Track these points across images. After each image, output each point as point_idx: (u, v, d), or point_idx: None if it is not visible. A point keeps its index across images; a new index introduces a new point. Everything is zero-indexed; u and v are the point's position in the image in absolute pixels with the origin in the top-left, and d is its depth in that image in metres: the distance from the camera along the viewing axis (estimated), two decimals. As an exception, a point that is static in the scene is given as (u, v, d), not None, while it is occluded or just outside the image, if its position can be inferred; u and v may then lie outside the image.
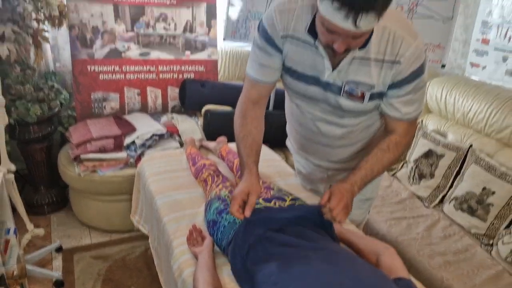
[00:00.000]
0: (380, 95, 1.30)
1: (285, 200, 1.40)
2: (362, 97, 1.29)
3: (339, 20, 1.02)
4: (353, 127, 1.44)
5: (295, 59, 1.32)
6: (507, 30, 2.52)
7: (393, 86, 1.26)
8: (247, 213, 1.27)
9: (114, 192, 2.48)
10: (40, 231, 2.23)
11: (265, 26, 1.31)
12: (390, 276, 1.13)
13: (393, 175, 2.60)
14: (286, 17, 1.27)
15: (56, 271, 2.24)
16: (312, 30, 1.22)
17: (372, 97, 1.29)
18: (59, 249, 2.42)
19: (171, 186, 1.80)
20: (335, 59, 1.24)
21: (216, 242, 1.37)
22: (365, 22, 1.01)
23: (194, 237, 1.42)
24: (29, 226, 2.18)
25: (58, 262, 2.35)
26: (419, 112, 1.36)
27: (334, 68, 1.25)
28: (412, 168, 2.48)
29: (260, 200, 1.39)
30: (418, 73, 1.24)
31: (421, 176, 2.41)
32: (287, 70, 1.37)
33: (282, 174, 1.95)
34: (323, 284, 0.99)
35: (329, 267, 1.05)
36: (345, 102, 1.31)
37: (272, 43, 1.31)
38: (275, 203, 1.37)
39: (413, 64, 1.21)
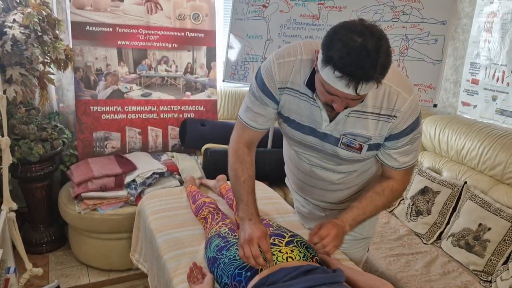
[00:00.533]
0: (378, 146, 1.34)
1: (284, 237, 1.43)
2: (360, 148, 1.33)
3: (340, 87, 1.08)
4: (350, 173, 1.49)
5: (293, 109, 1.36)
6: (495, 71, 2.63)
7: (390, 138, 1.30)
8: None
9: (114, 230, 2.49)
10: (39, 271, 2.21)
11: (263, 77, 1.34)
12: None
13: (390, 211, 2.63)
14: (285, 70, 1.31)
15: (53, 312, 2.22)
16: (310, 84, 1.27)
17: (370, 148, 1.33)
18: (57, 289, 2.40)
19: (172, 224, 1.82)
20: (333, 112, 1.27)
21: (216, 279, 1.39)
22: (365, 89, 1.08)
23: (194, 274, 1.43)
24: (28, 265, 2.17)
25: (55, 302, 2.32)
26: (415, 160, 1.40)
27: (331, 120, 1.30)
28: (409, 205, 2.51)
29: None
30: (414, 125, 1.28)
31: (418, 213, 2.44)
32: (285, 120, 1.41)
33: (281, 211, 1.98)
34: None
35: None
36: (343, 152, 1.35)
37: (269, 93, 1.35)
38: (274, 240, 1.39)
39: (409, 118, 1.26)
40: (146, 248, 1.94)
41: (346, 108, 1.20)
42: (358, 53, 1.02)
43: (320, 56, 1.11)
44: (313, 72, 1.25)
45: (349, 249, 1.67)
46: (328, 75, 1.09)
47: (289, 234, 1.46)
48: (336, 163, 1.44)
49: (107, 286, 2.46)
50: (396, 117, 1.25)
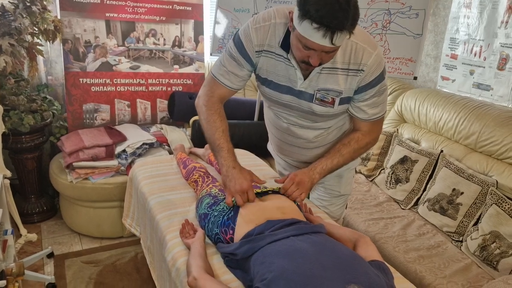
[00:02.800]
0: (348, 100, 1.48)
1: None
2: (333, 102, 1.46)
3: (317, 38, 1.21)
4: (325, 130, 1.60)
5: (270, 70, 1.47)
6: (473, 45, 2.74)
7: (359, 91, 1.45)
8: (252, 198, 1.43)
9: (105, 199, 2.56)
10: (33, 236, 2.29)
11: (242, 40, 1.45)
12: (365, 259, 1.27)
13: (371, 180, 2.76)
14: (262, 33, 1.42)
15: (48, 275, 2.30)
16: (284, 45, 1.39)
17: (341, 102, 1.47)
18: (50, 255, 2.48)
19: (163, 188, 1.90)
20: (306, 71, 1.40)
21: (207, 234, 1.49)
22: (340, 39, 1.21)
23: (186, 230, 1.53)
24: (23, 231, 2.25)
25: (49, 267, 2.41)
26: (383, 113, 1.55)
27: (305, 78, 1.42)
28: (389, 174, 2.64)
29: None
30: (380, 78, 1.43)
31: (398, 181, 2.57)
32: (263, 81, 1.52)
33: (267, 176, 2.08)
34: (304, 258, 1.12)
35: (309, 246, 1.19)
36: (317, 107, 1.48)
37: (246, 56, 1.46)
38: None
39: (375, 71, 1.41)
40: (139, 211, 2.03)
41: (320, 64, 1.32)
42: (332, 5, 1.15)
43: (296, 13, 1.23)
44: (287, 34, 1.37)
45: (329, 206, 1.79)
46: (305, 29, 1.21)
47: (276, 188, 1.56)
48: (311, 121, 1.55)
49: (99, 252, 2.55)
50: (363, 70, 1.39)
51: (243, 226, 1.36)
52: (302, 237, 1.27)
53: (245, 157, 2.30)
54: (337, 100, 1.45)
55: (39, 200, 2.87)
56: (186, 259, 1.36)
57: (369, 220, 2.28)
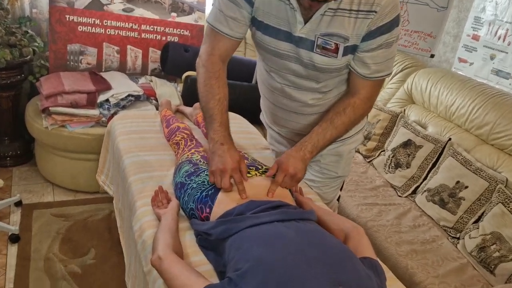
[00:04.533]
0: (354, 49, 1.25)
1: (259, 170, 1.35)
2: (336, 50, 1.23)
3: None
4: (324, 94, 1.39)
5: (266, 11, 1.25)
6: (498, 28, 2.50)
7: (366, 37, 1.22)
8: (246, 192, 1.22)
9: (82, 150, 2.37)
10: (0, 182, 2.11)
11: None
12: (356, 254, 1.10)
13: (369, 161, 2.58)
14: None
15: (13, 226, 2.14)
16: None
17: (346, 51, 1.24)
18: (18, 204, 2.32)
19: (141, 146, 1.71)
20: (308, 14, 1.19)
21: (181, 205, 1.31)
22: None
23: (159, 198, 1.35)
24: (-14, 175, 2.06)
25: (16, 216, 2.25)
26: (387, 74, 1.32)
27: (306, 22, 1.21)
28: (389, 157, 2.46)
29: None
30: (393, 23, 1.20)
31: (397, 165, 2.39)
32: (258, 25, 1.29)
33: (258, 146, 1.89)
34: (287, 249, 0.95)
35: (295, 235, 1.01)
36: (318, 58, 1.25)
37: None
38: (248, 169, 1.31)
39: (389, 14, 1.18)
40: (113, 169, 1.84)
41: (325, 1, 1.12)
42: None
43: None
44: None
45: (322, 187, 1.61)
46: None
47: (264, 168, 1.38)
48: (310, 79, 1.33)
49: (72, 206, 2.39)
50: (375, 12, 1.17)
51: (222, 203, 1.19)
52: (288, 223, 1.09)
53: (237, 122, 2.10)
54: (341, 48, 1.22)
55: (13, 143, 2.67)
56: (155, 232, 1.19)
57: (363, 205, 2.12)
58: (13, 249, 2.02)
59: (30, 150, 2.76)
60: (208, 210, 1.21)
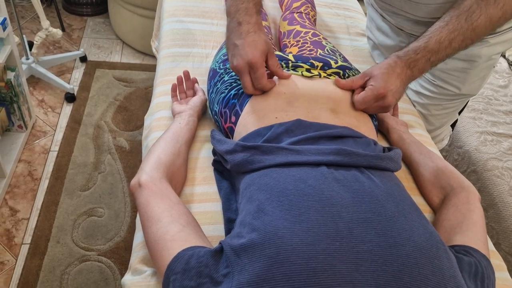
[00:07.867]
0: None
1: (330, 66, 0.84)
2: None
3: None
4: None
5: None
6: None
7: None
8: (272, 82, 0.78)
9: (153, 7, 2.01)
10: (57, 32, 1.88)
11: None
12: (450, 239, 0.64)
13: (515, 73, 1.85)
14: None
15: (72, 84, 1.98)
16: None
17: None
18: (84, 59, 2.12)
19: (189, 10, 1.27)
20: None
21: (208, 104, 0.91)
22: None
23: (183, 88, 0.96)
24: (44, 23, 1.84)
25: (79, 73, 2.07)
26: None
27: None
28: (548, 71, 1.71)
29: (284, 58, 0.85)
30: None
31: (558, 86, 1.65)
32: None
33: (352, 30, 1.33)
34: (328, 225, 0.54)
35: (351, 199, 0.58)
36: None
37: None
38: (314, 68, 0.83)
39: None
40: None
41: None
42: None
43: None
44: None
45: (432, 109, 1.07)
46: None
47: (340, 64, 0.86)
48: None
49: (136, 71, 2.14)
50: None
51: (252, 114, 0.76)
52: (345, 172, 0.64)
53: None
54: None
55: (90, -10, 2.41)
56: (158, 137, 0.82)
57: (488, 134, 1.51)
58: (67, 109, 1.87)
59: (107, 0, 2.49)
60: (233, 119, 0.79)
